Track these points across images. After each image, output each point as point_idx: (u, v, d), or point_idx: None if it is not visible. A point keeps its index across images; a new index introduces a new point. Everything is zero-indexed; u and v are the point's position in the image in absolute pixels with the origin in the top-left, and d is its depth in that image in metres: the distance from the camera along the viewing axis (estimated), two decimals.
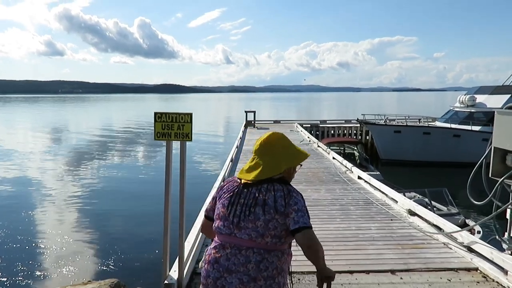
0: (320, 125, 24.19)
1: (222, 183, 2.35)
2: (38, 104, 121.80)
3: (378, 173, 12.98)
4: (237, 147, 14.30)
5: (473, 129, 18.60)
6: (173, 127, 3.46)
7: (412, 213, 6.04)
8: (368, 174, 9.31)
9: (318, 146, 14.80)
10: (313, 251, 1.94)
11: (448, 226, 5.00)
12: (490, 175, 3.86)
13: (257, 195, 2.01)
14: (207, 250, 2.10)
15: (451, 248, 4.73)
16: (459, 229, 4.74)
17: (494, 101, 19.32)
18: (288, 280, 2.14)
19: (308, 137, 17.63)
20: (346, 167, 10.37)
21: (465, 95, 20.67)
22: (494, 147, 3.79)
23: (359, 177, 9.00)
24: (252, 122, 24.24)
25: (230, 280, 1.93)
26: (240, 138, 17.44)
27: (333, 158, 11.87)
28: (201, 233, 4.73)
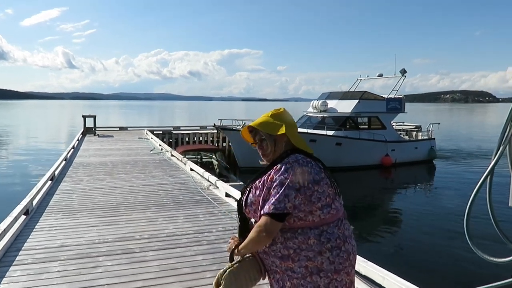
0: (174, 132, 21.73)
1: (299, 171, 1.82)
2: None
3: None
4: (65, 159, 10.89)
5: (327, 133, 18.59)
6: None
7: None
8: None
9: (172, 155, 12.39)
10: None
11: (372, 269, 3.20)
12: (510, 204, 2.08)
13: (323, 164, 2.01)
14: (326, 242, 1.84)
15: None
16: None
17: (343, 106, 19.81)
18: None
19: (160, 145, 15.05)
20: (208, 180, 8.22)
21: (317, 100, 20.81)
22: None
23: (227, 195, 6.92)
24: (93, 128, 20.42)
25: (354, 243, 1.96)
26: (73, 147, 13.84)
27: (191, 169, 9.62)
28: None
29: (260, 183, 1.90)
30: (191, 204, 6.57)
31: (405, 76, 20.95)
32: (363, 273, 3.46)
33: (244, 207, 1.97)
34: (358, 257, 3.56)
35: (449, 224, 10.16)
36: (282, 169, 1.84)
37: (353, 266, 1.94)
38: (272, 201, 1.79)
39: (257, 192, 1.89)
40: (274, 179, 1.84)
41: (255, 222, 1.92)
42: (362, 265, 3.47)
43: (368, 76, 23.10)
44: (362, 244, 9.01)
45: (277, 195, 1.78)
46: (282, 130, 1.96)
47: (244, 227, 2.01)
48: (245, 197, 1.98)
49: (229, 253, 2.00)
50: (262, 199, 1.86)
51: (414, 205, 12.79)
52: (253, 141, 2.10)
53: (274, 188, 1.81)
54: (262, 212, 1.83)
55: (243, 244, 1.92)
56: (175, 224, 5.40)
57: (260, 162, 2.10)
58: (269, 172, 1.90)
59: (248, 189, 1.98)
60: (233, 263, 1.96)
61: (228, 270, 1.93)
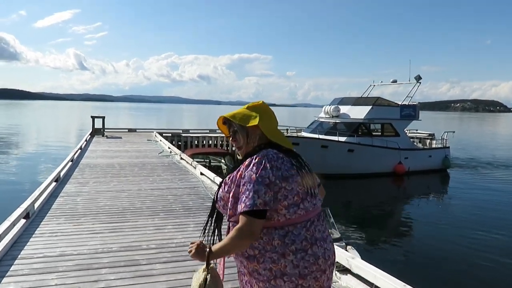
0: (183, 135, 21.42)
1: (269, 165, 1.71)
2: None
3: None
4: (72, 160, 10.59)
5: (339, 139, 18.14)
6: None
7: (343, 269, 3.69)
8: None
9: (182, 158, 12.05)
10: None
11: None
12: None
13: (301, 160, 1.87)
14: (290, 243, 1.72)
15: None
16: None
17: (356, 112, 19.35)
18: None
19: (169, 148, 14.73)
20: None
21: (330, 105, 20.38)
22: None
23: None
24: (101, 129, 20.18)
25: (329, 247, 1.82)
26: (81, 148, 13.57)
27: (201, 173, 9.25)
28: None
29: (229, 179, 1.82)
30: (201, 210, 6.19)
31: (420, 83, 20.46)
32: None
33: (216, 202, 1.91)
34: (360, 261, 3.24)
35: (463, 235, 9.91)
36: (251, 164, 1.75)
37: (324, 271, 1.76)
38: (243, 199, 1.70)
39: (226, 188, 1.82)
40: (243, 175, 1.75)
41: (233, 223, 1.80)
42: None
43: (381, 82, 22.61)
44: (372, 251, 8.76)
45: (247, 192, 1.69)
46: (254, 121, 1.85)
47: (217, 226, 1.98)
48: (216, 192, 1.91)
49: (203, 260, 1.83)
50: (233, 197, 1.76)
51: (427, 215, 12.38)
52: (229, 134, 1.99)
53: (244, 185, 1.72)
54: (237, 212, 1.73)
55: (220, 246, 1.74)
56: (185, 233, 5.02)
57: (238, 157, 1.96)
58: (238, 168, 1.81)
59: (220, 184, 1.90)
60: (208, 268, 1.83)
61: (209, 276, 1.81)
